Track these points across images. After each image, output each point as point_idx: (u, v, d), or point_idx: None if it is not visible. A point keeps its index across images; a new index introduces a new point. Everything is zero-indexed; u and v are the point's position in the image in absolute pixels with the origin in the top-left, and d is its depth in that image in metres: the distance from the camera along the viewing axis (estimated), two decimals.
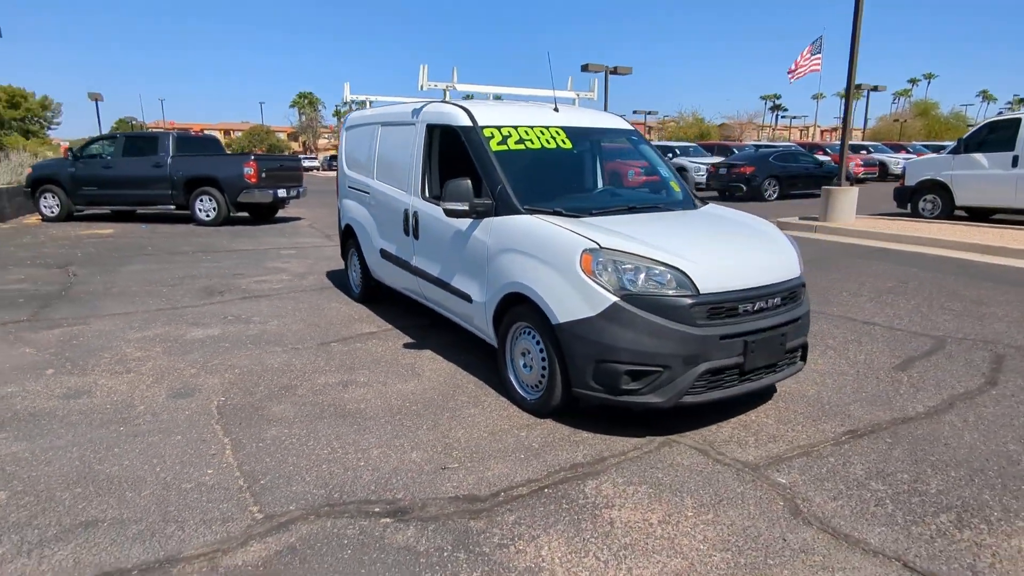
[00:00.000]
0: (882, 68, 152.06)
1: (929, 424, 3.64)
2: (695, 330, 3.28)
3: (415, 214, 4.94)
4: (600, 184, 5.03)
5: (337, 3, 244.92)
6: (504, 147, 4.29)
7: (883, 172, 25.20)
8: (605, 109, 27.54)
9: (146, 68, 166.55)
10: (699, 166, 20.32)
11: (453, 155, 4.76)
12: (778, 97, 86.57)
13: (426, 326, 5.62)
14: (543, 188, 4.31)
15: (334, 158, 61.44)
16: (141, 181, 13.36)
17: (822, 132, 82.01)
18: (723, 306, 3.38)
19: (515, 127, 4.44)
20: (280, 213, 15.43)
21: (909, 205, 13.06)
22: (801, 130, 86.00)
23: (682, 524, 2.69)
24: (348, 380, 4.34)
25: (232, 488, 2.93)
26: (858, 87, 25.77)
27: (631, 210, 4.28)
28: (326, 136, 77.63)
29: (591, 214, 4.06)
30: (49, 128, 71.40)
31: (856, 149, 25.38)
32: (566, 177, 4.70)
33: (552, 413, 3.71)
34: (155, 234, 11.97)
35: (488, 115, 4.51)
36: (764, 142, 36.39)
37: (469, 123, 4.41)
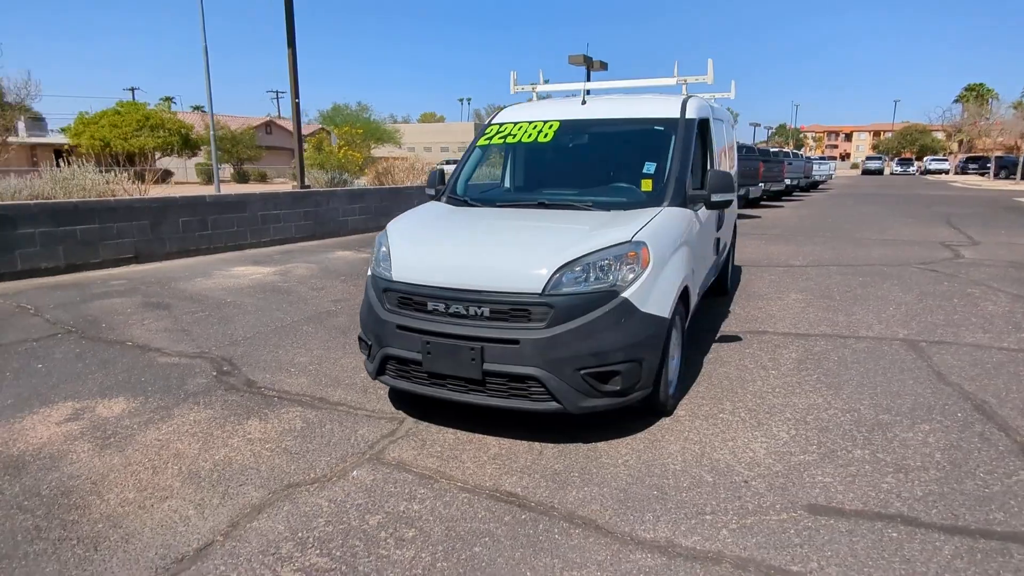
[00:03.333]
0: None
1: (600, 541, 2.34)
2: (382, 314, 3.33)
3: None
4: (583, 174, 4.42)
5: None
6: (487, 142, 4.64)
7: None
8: None
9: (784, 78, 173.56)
10: None
11: None
12: None
13: None
14: (516, 176, 4.49)
15: (971, 160, 50.69)
16: None
17: None
18: (411, 298, 3.24)
19: (518, 123, 4.61)
20: (757, 211, 15.71)
21: None
22: None
23: (269, 443, 3.24)
24: None
25: (225, 339, 5.08)
26: None
27: (541, 205, 3.96)
28: (994, 134, 63.65)
29: (495, 205, 4.13)
30: None
31: None
32: (519, 169, 4.49)
33: None
34: None
35: (511, 114, 4.80)
36: None
37: (487, 122, 4.89)
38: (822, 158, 45.97)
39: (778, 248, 9.97)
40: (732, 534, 2.42)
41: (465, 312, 3.10)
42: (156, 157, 40.55)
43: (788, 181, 22.73)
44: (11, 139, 38.40)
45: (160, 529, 2.51)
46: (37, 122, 44.11)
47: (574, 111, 4.52)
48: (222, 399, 3.85)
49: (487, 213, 3.98)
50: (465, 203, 4.20)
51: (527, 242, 3.36)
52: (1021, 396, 3.71)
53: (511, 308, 3.04)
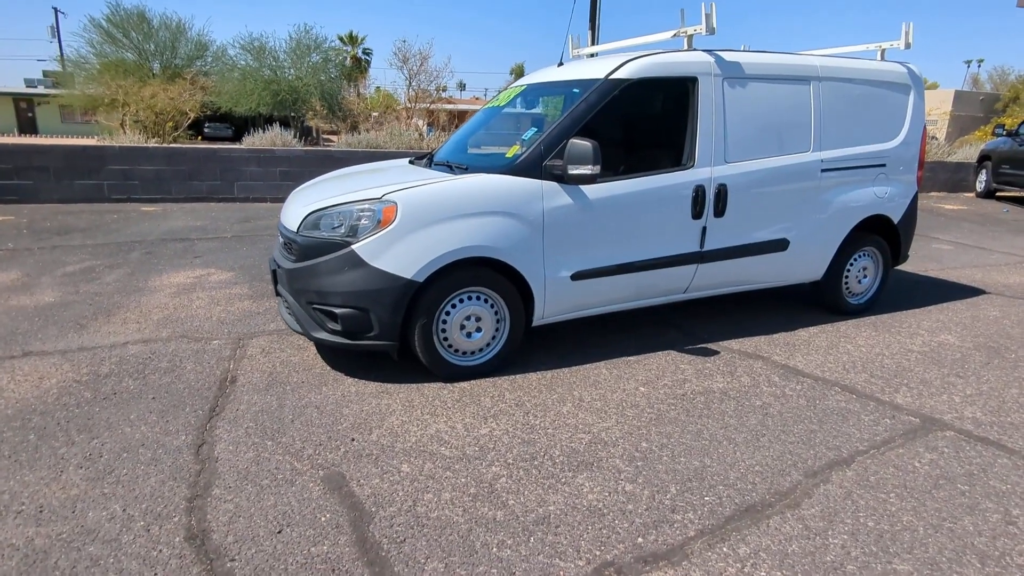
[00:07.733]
0: None
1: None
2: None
3: None
4: (511, 137, 4.09)
5: None
6: (486, 105, 4.87)
7: None
8: None
9: None
10: None
11: None
12: None
13: None
14: (453, 140, 4.71)
15: None
16: None
17: None
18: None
19: (507, 88, 4.73)
20: None
21: None
22: None
23: (234, 314, 4.67)
24: None
25: None
26: None
27: (447, 166, 4.10)
28: None
29: (434, 166, 4.47)
30: None
31: None
32: (470, 133, 4.46)
33: None
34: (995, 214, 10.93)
35: (524, 79, 4.83)
36: None
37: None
38: None
39: None
40: (254, 458, 2.68)
41: (283, 242, 3.81)
42: None
43: None
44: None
45: (101, 334, 4.15)
46: None
47: (542, 76, 4.41)
48: (262, 288, 5.40)
49: (384, 171, 4.38)
50: (429, 163, 4.64)
51: (323, 192, 3.76)
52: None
53: (286, 243, 3.64)
